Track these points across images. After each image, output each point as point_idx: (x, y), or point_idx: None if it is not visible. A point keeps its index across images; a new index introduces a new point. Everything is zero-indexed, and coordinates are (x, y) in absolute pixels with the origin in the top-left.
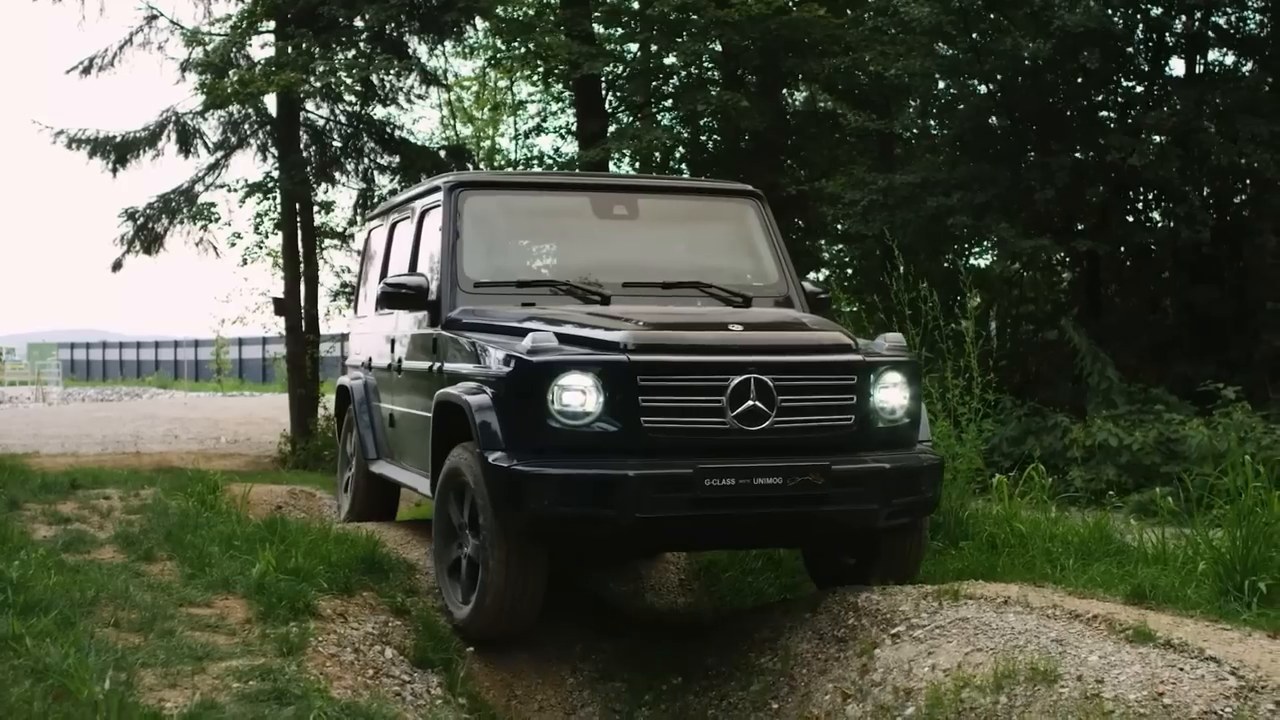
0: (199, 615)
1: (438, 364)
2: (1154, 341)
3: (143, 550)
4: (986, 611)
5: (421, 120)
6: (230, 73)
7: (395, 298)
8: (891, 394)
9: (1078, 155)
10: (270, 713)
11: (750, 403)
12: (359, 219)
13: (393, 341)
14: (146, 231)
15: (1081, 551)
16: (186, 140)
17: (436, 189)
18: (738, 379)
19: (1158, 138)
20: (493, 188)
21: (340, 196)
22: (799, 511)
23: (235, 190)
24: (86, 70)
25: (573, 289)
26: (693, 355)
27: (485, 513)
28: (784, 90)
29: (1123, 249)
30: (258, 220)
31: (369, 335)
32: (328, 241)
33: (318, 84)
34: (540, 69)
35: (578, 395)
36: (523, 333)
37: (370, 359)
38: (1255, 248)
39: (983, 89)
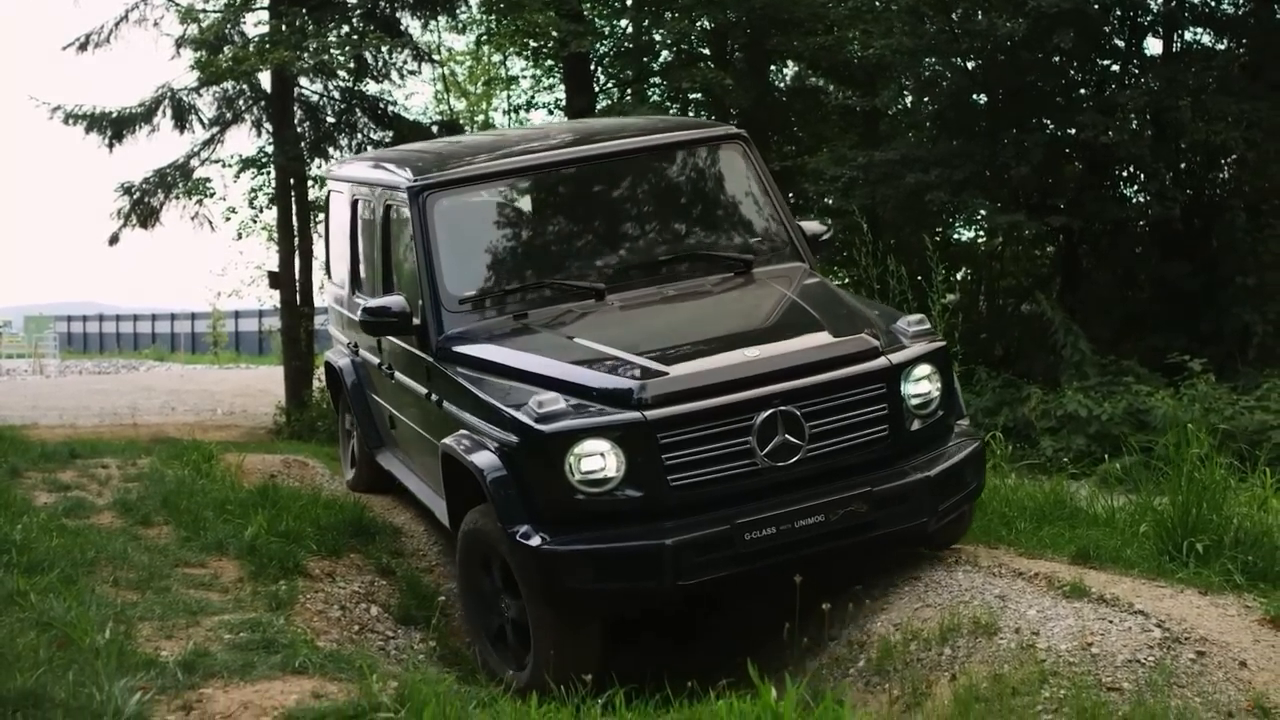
0: (193, 575)
1: (435, 395)
2: (1128, 315)
3: (140, 515)
4: (938, 570)
5: (415, 95)
6: (225, 49)
7: (379, 326)
8: (925, 387)
9: (1055, 132)
10: (259, 660)
11: (780, 438)
12: None
13: (379, 342)
14: (142, 206)
15: (1036, 515)
16: (182, 116)
17: (398, 188)
18: (763, 415)
19: (1132, 116)
20: (459, 185)
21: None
22: (848, 544)
23: (230, 165)
24: (83, 47)
25: (563, 288)
26: (713, 398)
27: (523, 580)
28: (772, 67)
29: (1097, 225)
30: (252, 195)
31: (350, 319)
32: (322, 216)
33: (310, 61)
34: (530, 46)
35: (597, 460)
36: (525, 378)
37: (356, 345)
38: (1226, 224)
39: (961, 67)
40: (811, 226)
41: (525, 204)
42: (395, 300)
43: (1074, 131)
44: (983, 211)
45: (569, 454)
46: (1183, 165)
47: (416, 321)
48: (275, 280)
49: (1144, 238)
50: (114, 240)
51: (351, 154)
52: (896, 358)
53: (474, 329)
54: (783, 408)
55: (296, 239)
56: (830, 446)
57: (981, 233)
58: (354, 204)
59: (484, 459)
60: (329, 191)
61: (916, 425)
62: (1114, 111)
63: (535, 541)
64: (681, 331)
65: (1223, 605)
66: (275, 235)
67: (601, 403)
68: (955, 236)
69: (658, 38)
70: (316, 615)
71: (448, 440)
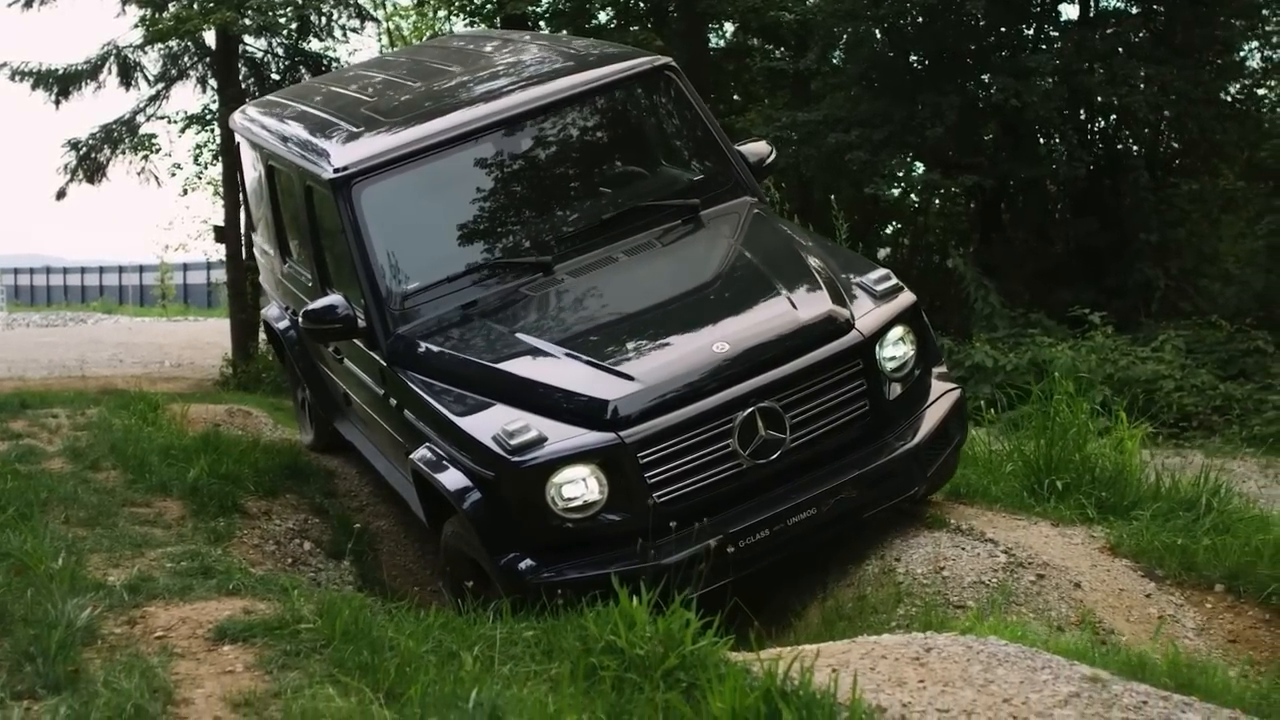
0: (139, 513)
1: (393, 400)
2: (1041, 270)
3: (89, 460)
4: None
5: (358, 53)
6: (170, 6)
7: (325, 334)
8: (901, 350)
9: (973, 95)
10: (197, 584)
11: (762, 435)
12: None
13: None
14: (89, 161)
15: None
16: (127, 73)
17: (318, 178)
18: (743, 414)
19: (1047, 79)
20: (385, 169)
21: None
22: (841, 528)
23: (175, 122)
24: (28, 4)
25: (509, 265)
26: (689, 406)
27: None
28: (713, 27)
29: (1012, 183)
30: (197, 151)
31: (284, 285)
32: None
33: (252, 24)
34: (469, 6)
35: (578, 487)
36: (486, 388)
37: (294, 311)
38: (1131, 183)
39: (881, 31)
40: (755, 149)
41: (458, 174)
42: (336, 302)
43: (988, 93)
44: (900, 172)
45: (549, 484)
46: (1091, 127)
47: (362, 324)
48: (221, 234)
49: (1057, 196)
50: (61, 195)
51: None
52: (868, 327)
53: (424, 325)
54: (762, 404)
55: (241, 194)
56: (812, 433)
57: (896, 192)
58: (270, 170)
59: (456, 481)
60: (238, 142)
61: (896, 391)
62: (1026, 75)
63: (523, 570)
64: (641, 316)
65: (1070, 535)
66: (221, 190)
67: (571, 421)
68: (885, 193)
69: (599, 2)
70: (252, 549)
71: (415, 455)
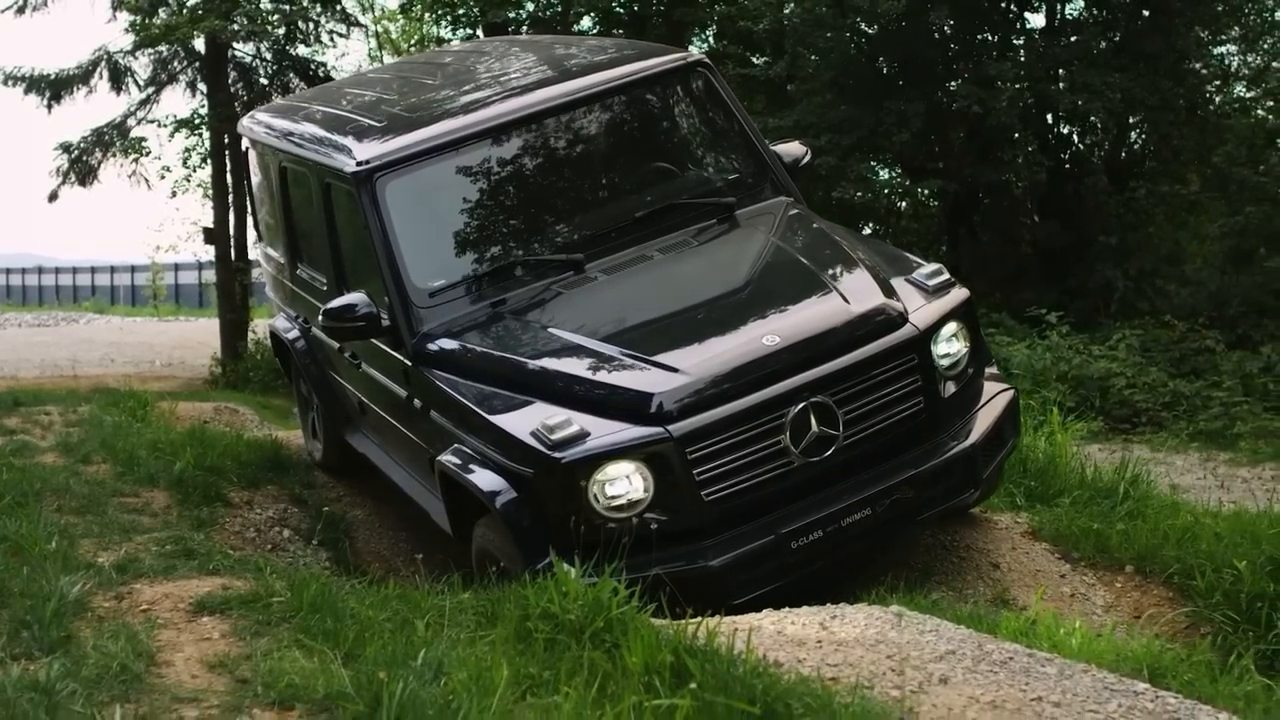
0: (128, 503)
1: (418, 401)
2: (1006, 271)
3: (81, 455)
4: None
5: (347, 56)
6: (160, 11)
7: (344, 332)
8: (955, 346)
9: (938, 102)
10: (180, 564)
11: (814, 431)
12: None
13: None
14: (81, 164)
15: None
16: (118, 77)
17: (340, 172)
18: (795, 409)
19: (1010, 86)
20: (410, 162)
21: None
22: (896, 530)
23: (165, 125)
24: (21, 10)
25: (540, 263)
26: (739, 400)
27: None
28: (698, 34)
29: (981, 191)
30: (186, 155)
31: (294, 292)
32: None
33: (242, 31)
34: (451, 13)
35: (623, 485)
36: (520, 385)
37: (305, 319)
38: (1090, 187)
39: (850, 39)
40: (790, 149)
41: (485, 169)
42: (358, 300)
43: (953, 100)
44: (866, 175)
45: (591, 481)
46: (1053, 133)
47: (386, 323)
48: (210, 236)
49: (1023, 200)
50: (53, 197)
51: None
52: (923, 321)
53: (450, 323)
54: (814, 399)
55: (231, 196)
56: (866, 431)
57: (859, 195)
58: (283, 171)
59: (490, 481)
60: (247, 147)
61: (951, 390)
62: (989, 82)
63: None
64: (681, 311)
65: (996, 521)
66: (210, 192)
67: (615, 415)
68: (850, 196)
69: (582, 8)
70: (234, 536)
71: (444, 458)
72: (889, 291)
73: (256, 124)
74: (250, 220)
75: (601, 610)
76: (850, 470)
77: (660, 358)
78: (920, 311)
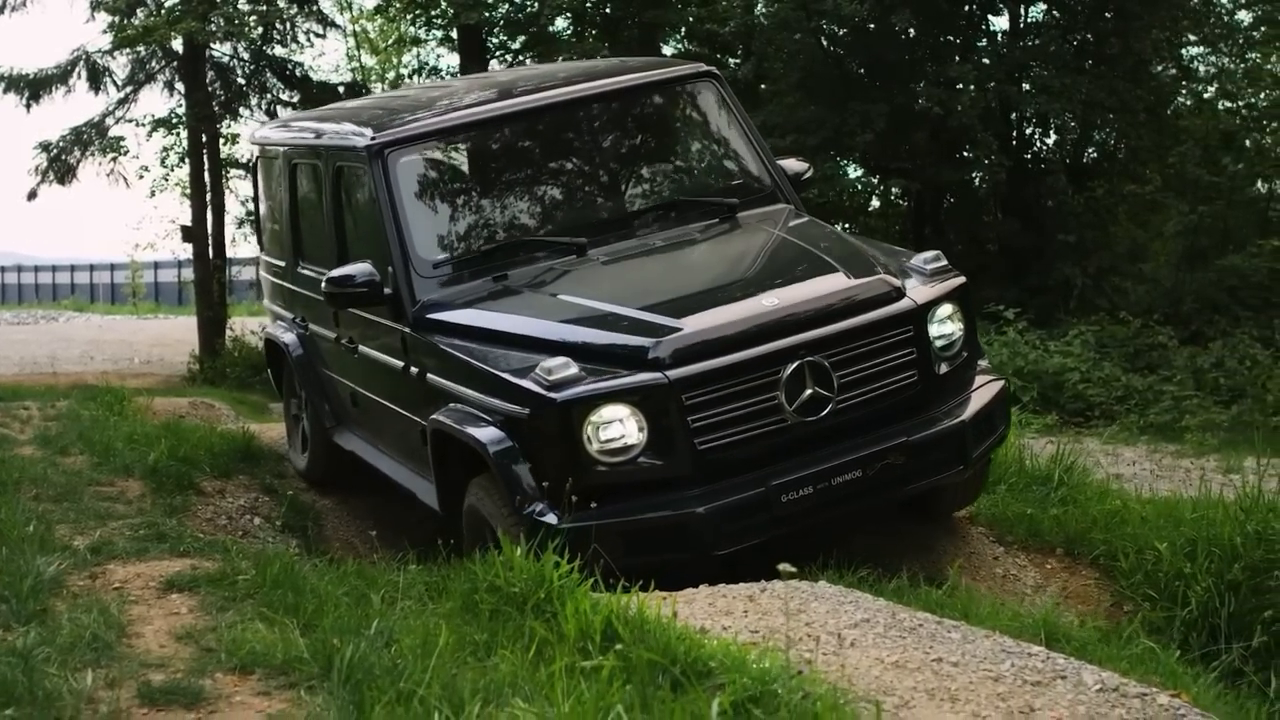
0: (104, 491)
1: (413, 368)
2: (968, 269)
3: (58, 447)
4: None
5: (324, 56)
6: (139, 11)
7: (344, 297)
8: (950, 328)
9: (902, 103)
10: (152, 547)
11: (809, 390)
12: None
13: (336, 314)
14: (60, 163)
15: None
16: (96, 77)
17: (353, 149)
18: (790, 367)
19: (971, 88)
20: (421, 140)
21: (245, 129)
22: (884, 497)
23: (143, 125)
24: None
25: (542, 244)
26: (736, 352)
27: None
28: (675, 36)
29: (942, 188)
30: (164, 154)
31: (294, 292)
32: (233, 172)
33: (219, 32)
34: (424, 15)
35: (617, 428)
36: (521, 342)
37: (304, 318)
38: (1049, 186)
39: (815, 41)
40: (792, 165)
41: (492, 157)
42: (361, 268)
43: (916, 101)
44: (830, 174)
45: (586, 423)
46: (1014, 133)
47: (388, 291)
48: (188, 234)
49: (986, 199)
50: (32, 196)
51: (262, 112)
52: (921, 298)
53: (452, 294)
54: (810, 358)
55: (209, 194)
56: (860, 396)
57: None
58: (292, 169)
59: (485, 433)
60: (257, 157)
61: (944, 368)
62: (951, 84)
63: (553, 519)
64: (682, 282)
65: None
66: (188, 191)
67: (613, 364)
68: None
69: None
70: (205, 522)
71: (438, 415)
72: (889, 271)
73: (269, 130)
74: (256, 234)
75: (544, 583)
76: (843, 434)
77: (660, 315)
78: (918, 289)
